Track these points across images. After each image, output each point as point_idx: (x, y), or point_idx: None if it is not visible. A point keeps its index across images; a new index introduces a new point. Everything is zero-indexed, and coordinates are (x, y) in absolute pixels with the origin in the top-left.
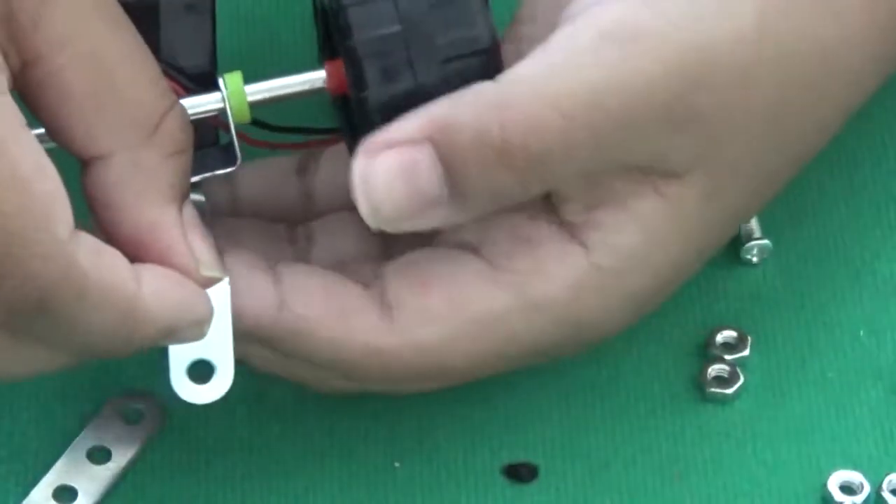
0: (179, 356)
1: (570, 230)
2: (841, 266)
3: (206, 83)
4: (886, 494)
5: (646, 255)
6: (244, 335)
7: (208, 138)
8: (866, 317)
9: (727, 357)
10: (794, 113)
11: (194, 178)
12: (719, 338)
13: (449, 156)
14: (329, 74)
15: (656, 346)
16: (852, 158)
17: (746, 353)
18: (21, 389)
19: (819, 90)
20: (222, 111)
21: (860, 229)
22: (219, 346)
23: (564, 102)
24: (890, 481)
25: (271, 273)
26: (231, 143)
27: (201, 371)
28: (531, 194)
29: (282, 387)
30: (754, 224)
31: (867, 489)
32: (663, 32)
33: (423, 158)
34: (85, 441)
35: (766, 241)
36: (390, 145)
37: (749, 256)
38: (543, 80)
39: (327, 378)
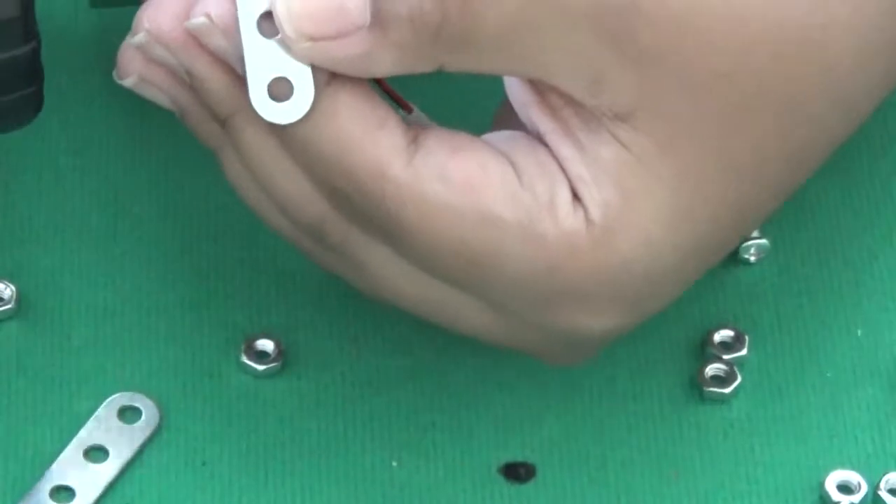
0: (258, 75)
1: (575, 188)
2: (839, 265)
3: None
4: (884, 494)
5: (625, 214)
6: None
7: None
8: (864, 316)
9: (725, 356)
10: (773, 100)
11: None
12: (717, 337)
13: None
14: None
15: (654, 345)
16: (851, 157)
17: (744, 352)
18: (18, 388)
19: (802, 80)
20: None
21: (858, 229)
22: (297, 65)
23: None
24: (887, 480)
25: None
26: None
27: (280, 92)
28: (453, 47)
29: (278, 386)
30: None
31: (864, 488)
32: None
33: None
34: (82, 440)
35: (763, 241)
36: None
37: (747, 255)
38: None
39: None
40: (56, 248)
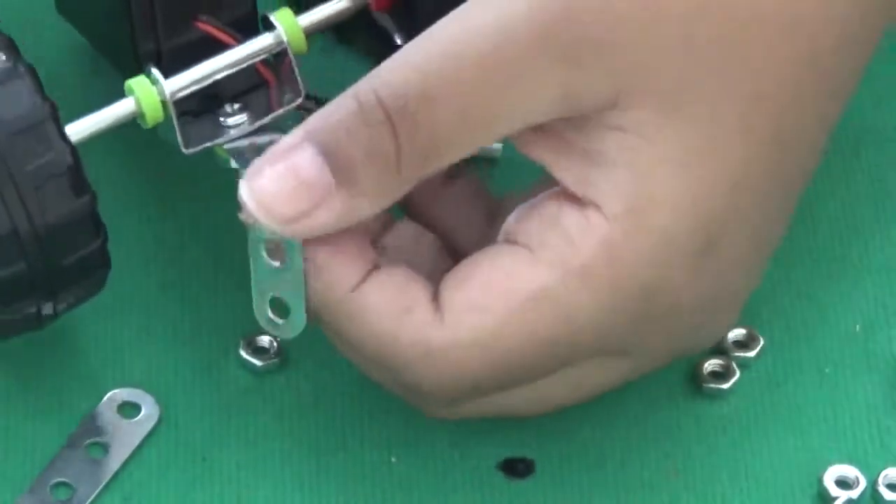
0: (261, 294)
1: (580, 199)
2: (837, 261)
3: (250, 30)
4: (882, 489)
5: (645, 189)
6: (312, 308)
7: (258, 83)
8: (862, 311)
9: (736, 353)
10: (752, 42)
11: (266, 119)
12: (731, 336)
13: (321, 142)
14: None
15: None
16: (848, 153)
17: (753, 353)
18: (18, 384)
19: (774, 23)
20: (279, 47)
21: (857, 224)
22: (293, 291)
23: (413, 57)
24: (885, 476)
25: (362, 260)
26: (294, 79)
27: (281, 310)
28: (422, 161)
29: (277, 381)
30: None
31: (863, 484)
32: None
33: (303, 153)
34: (82, 436)
35: None
36: (272, 161)
37: None
38: (397, 56)
39: (385, 381)
40: None
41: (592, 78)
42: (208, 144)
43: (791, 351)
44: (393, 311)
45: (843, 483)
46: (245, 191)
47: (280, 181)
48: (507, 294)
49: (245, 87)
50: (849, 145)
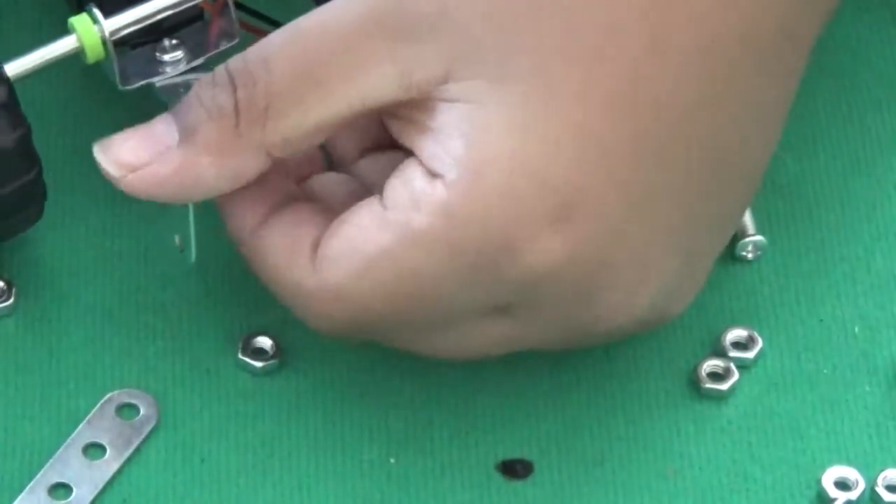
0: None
1: (430, 169)
2: (836, 262)
3: None
4: (881, 490)
5: (479, 154)
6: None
7: (196, 17)
8: (861, 313)
9: (736, 355)
10: (583, 4)
11: (201, 59)
12: (730, 336)
13: (175, 109)
14: None
15: (651, 342)
16: (847, 155)
17: (753, 354)
18: (15, 385)
19: None
20: None
21: (855, 226)
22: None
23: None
24: (884, 477)
25: (262, 202)
26: (230, 19)
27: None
28: (260, 120)
29: (276, 383)
30: (748, 221)
31: (862, 485)
32: None
33: (160, 119)
34: (80, 437)
35: (760, 238)
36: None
37: (744, 253)
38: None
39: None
40: (54, 246)
41: (424, 54)
42: (144, 82)
43: (790, 352)
44: (281, 252)
45: (842, 484)
46: (98, 142)
47: (130, 136)
48: (356, 251)
49: (184, 20)
50: (849, 148)
